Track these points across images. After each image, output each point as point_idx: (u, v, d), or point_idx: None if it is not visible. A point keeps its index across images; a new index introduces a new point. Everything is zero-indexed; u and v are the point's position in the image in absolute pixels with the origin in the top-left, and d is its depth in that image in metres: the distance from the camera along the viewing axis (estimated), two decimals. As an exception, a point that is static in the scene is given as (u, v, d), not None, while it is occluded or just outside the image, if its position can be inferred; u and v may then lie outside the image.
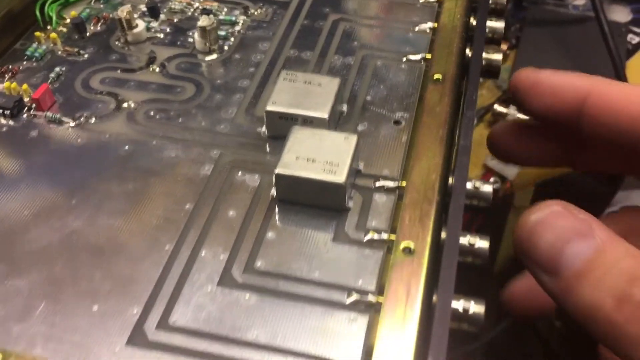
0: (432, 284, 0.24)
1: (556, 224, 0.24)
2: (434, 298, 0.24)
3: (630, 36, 0.67)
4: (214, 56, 0.38)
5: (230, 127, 0.34)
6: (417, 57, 0.37)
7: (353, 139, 0.30)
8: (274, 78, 0.37)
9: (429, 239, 0.25)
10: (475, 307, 0.24)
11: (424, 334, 0.23)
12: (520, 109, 0.33)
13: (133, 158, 0.32)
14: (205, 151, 0.33)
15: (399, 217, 0.26)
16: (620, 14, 0.69)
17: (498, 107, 0.61)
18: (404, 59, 0.38)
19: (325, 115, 0.32)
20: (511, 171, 0.59)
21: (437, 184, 0.27)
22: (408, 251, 0.25)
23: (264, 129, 0.33)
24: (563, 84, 0.31)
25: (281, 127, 0.32)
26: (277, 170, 0.29)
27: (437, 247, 0.25)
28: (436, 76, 0.32)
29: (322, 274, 0.27)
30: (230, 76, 0.37)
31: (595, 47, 0.61)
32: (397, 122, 0.34)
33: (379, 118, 0.34)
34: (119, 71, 0.37)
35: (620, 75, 0.58)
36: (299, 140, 0.30)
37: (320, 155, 0.29)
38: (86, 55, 0.38)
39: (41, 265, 0.28)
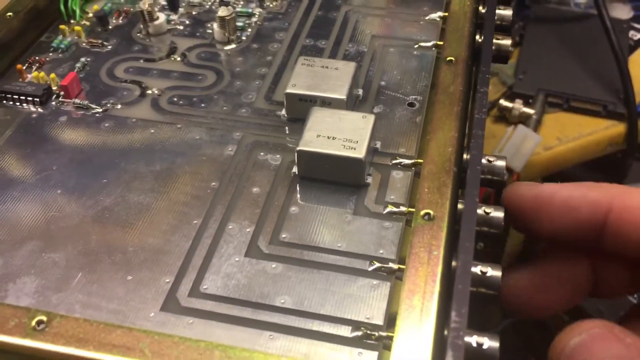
0: (451, 248, 0.25)
1: (600, 351, 0.21)
2: (453, 263, 0.26)
3: (631, 32, 0.68)
4: (233, 46, 0.40)
5: (251, 111, 0.35)
6: (429, 44, 0.39)
7: (371, 117, 0.32)
8: (291, 65, 0.38)
9: (447, 206, 0.26)
10: (493, 271, 0.26)
11: (445, 295, 0.24)
12: (523, 231, 0.29)
13: (159, 140, 0.34)
14: (228, 133, 0.34)
15: (418, 188, 0.28)
16: (622, 11, 0.70)
17: (503, 102, 0.62)
18: (416, 46, 0.39)
19: (344, 96, 0.33)
20: (518, 163, 0.60)
21: (453, 156, 0.28)
22: (428, 217, 0.26)
23: (283, 112, 0.35)
24: (576, 199, 0.27)
25: (300, 109, 0.34)
26: (299, 147, 0.30)
27: (455, 216, 0.26)
28: (449, 58, 0.34)
29: (344, 245, 0.28)
30: (248, 64, 0.38)
31: (597, 43, 0.63)
32: (411, 105, 0.35)
33: (393, 101, 0.36)
34: (141, 61, 0.39)
35: (623, 70, 0.59)
36: (319, 120, 0.32)
37: (339, 133, 0.31)
38: (110, 47, 0.40)
39: (76, 240, 0.29)
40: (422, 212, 0.26)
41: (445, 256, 0.25)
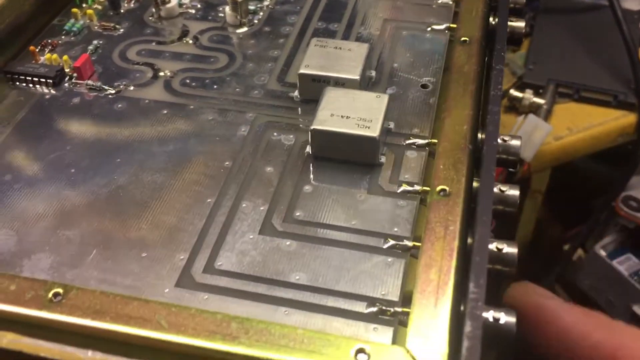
0: (467, 225, 0.25)
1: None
2: (469, 240, 0.25)
3: (642, 23, 0.68)
4: (245, 29, 0.40)
5: (263, 93, 0.35)
6: (442, 26, 0.39)
7: (384, 97, 0.32)
8: (303, 48, 0.38)
9: (463, 181, 0.26)
10: (509, 248, 0.25)
11: (462, 272, 0.24)
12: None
13: (172, 121, 0.34)
14: (241, 114, 0.34)
15: (434, 165, 0.27)
16: (633, 2, 0.70)
17: (514, 92, 0.62)
18: (428, 29, 0.39)
19: (357, 77, 0.33)
20: (529, 153, 0.60)
21: (468, 133, 0.28)
22: (444, 193, 0.26)
23: (296, 93, 0.35)
24: (578, 333, 0.24)
25: (313, 89, 0.34)
26: (313, 126, 0.30)
27: (471, 194, 0.26)
28: (463, 38, 0.34)
29: (358, 222, 0.28)
30: (261, 47, 0.38)
31: (608, 34, 0.62)
32: (424, 86, 0.35)
33: (407, 82, 0.35)
34: (154, 44, 0.39)
35: (634, 60, 0.59)
36: (333, 99, 0.31)
37: (353, 113, 0.31)
38: (122, 30, 0.40)
39: (90, 217, 0.29)
40: (438, 188, 0.26)
41: (462, 232, 0.25)
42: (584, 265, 0.68)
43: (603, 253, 0.67)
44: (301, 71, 0.34)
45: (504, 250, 0.25)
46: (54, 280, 0.26)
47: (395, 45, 0.38)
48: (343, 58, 0.34)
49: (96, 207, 0.29)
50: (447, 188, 0.26)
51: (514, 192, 0.27)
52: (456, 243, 0.24)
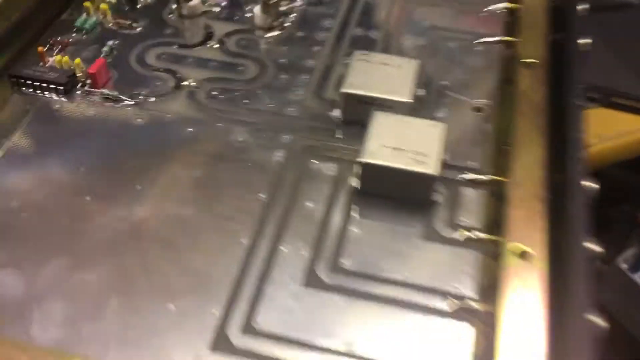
0: (554, 292, 0.22)
1: None
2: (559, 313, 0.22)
3: (679, 25, 0.64)
4: (275, 33, 0.36)
5: (299, 110, 0.32)
6: (493, 39, 0.35)
7: (441, 126, 0.28)
8: (341, 58, 0.34)
9: (544, 241, 0.23)
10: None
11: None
12: None
13: (198, 141, 0.30)
14: (276, 135, 0.30)
15: (506, 217, 0.24)
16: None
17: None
18: (478, 41, 0.35)
19: (409, 99, 0.30)
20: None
21: (544, 179, 0.25)
22: (523, 255, 0.23)
23: (336, 113, 0.31)
24: None
25: (357, 111, 0.30)
26: (363, 159, 0.27)
27: (553, 254, 0.23)
28: (528, 60, 0.30)
29: (414, 276, 0.25)
30: (294, 55, 0.35)
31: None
32: (478, 110, 0.32)
33: (457, 104, 0.32)
34: (175, 47, 0.35)
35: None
36: (383, 127, 0.28)
37: (406, 144, 0.27)
38: (139, 29, 0.36)
39: (109, 257, 0.25)
40: (515, 249, 0.23)
41: (549, 305, 0.22)
42: (604, 278, 0.66)
43: (624, 266, 0.64)
44: (345, 90, 0.30)
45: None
46: (69, 338, 0.23)
47: (443, 59, 0.34)
48: (391, 76, 0.30)
49: (115, 244, 0.26)
50: (526, 249, 0.23)
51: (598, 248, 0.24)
52: (543, 322, 0.21)
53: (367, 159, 0.27)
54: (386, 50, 0.35)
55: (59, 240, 0.26)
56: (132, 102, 0.32)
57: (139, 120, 0.31)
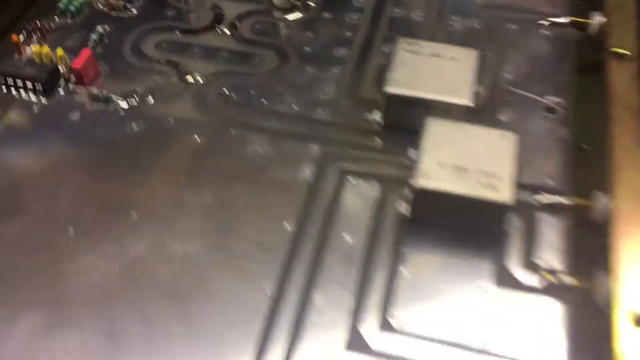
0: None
1: None
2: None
3: None
4: (298, 15, 0.30)
5: (330, 113, 0.26)
6: (563, 19, 0.29)
7: (512, 138, 0.22)
8: (377, 46, 0.28)
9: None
10: None
11: None
12: None
13: (207, 154, 0.24)
14: (301, 146, 0.25)
15: (611, 260, 0.18)
16: None
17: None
18: (544, 22, 0.29)
19: (469, 102, 0.24)
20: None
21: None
22: (643, 325, 0.17)
23: (374, 115, 0.25)
24: None
25: (403, 115, 0.24)
26: (419, 183, 0.21)
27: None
28: (620, 50, 0.24)
29: (485, 337, 0.19)
30: (321, 41, 0.29)
31: None
32: (550, 110, 0.26)
33: (524, 104, 0.26)
34: (177, 33, 0.29)
35: None
36: (439, 139, 0.22)
37: (470, 161, 0.21)
38: (134, 10, 0.30)
39: (97, 308, 0.20)
40: (630, 315, 0.17)
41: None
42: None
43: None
44: (389, 90, 0.24)
45: None
46: None
47: (504, 46, 0.28)
48: (444, 71, 0.25)
49: (105, 291, 0.21)
50: (648, 317, 0.17)
51: None
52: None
53: (422, 182, 0.21)
54: (432, 35, 0.29)
55: (34, 287, 0.21)
56: (126, 104, 0.26)
57: (135, 126, 0.25)
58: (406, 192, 0.22)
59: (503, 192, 0.21)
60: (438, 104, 0.24)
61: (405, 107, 0.24)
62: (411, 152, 0.24)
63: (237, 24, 0.29)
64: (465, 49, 0.25)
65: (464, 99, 0.24)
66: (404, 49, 0.25)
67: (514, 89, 0.27)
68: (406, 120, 0.24)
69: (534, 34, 0.29)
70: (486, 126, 0.23)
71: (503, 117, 0.26)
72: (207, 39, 0.29)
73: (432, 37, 0.28)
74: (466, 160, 0.22)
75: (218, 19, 0.30)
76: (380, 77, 0.26)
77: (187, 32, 0.29)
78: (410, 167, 0.23)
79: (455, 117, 0.24)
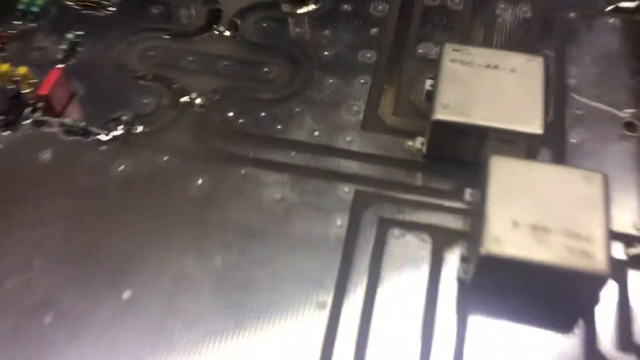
0: None
1: None
2: None
3: None
4: (311, 7, 0.25)
5: (360, 140, 0.21)
6: (630, 3, 0.24)
7: (599, 182, 0.18)
8: (411, 46, 0.23)
9: None
10: None
11: None
12: None
13: (213, 202, 0.20)
14: (330, 187, 0.20)
15: None
16: None
17: None
18: (609, 9, 0.24)
19: (539, 129, 0.19)
20: None
21: None
22: None
23: (418, 143, 0.21)
24: None
25: (453, 144, 0.20)
26: (489, 249, 0.17)
27: None
28: None
29: None
30: (342, 42, 0.24)
31: None
32: (630, 126, 0.21)
33: (597, 118, 0.21)
34: (166, 36, 0.24)
35: None
36: (508, 186, 0.18)
37: (551, 218, 0.17)
38: (113, 9, 0.25)
39: None
40: None
41: None
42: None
43: None
44: (438, 117, 0.19)
45: None
46: None
47: (562, 41, 0.23)
48: (505, 87, 0.20)
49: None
50: None
51: None
52: None
53: (493, 248, 0.17)
54: (474, 29, 0.24)
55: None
56: (108, 136, 0.21)
57: (119, 165, 0.20)
58: (466, 251, 0.17)
59: (598, 260, 0.16)
60: (500, 133, 0.19)
61: (457, 136, 0.19)
62: (468, 194, 0.19)
63: (238, 22, 0.24)
64: (528, 56, 0.20)
65: (533, 126, 0.19)
66: (451, 59, 0.20)
67: (580, 98, 0.22)
68: (458, 150, 0.20)
69: (599, 25, 0.24)
70: (563, 165, 0.18)
71: (573, 137, 0.21)
72: (204, 44, 0.24)
73: (474, 32, 0.23)
74: (546, 216, 0.17)
75: (214, 16, 0.24)
76: (419, 89, 0.22)
77: (178, 35, 0.24)
78: (468, 213, 0.19)
79: (521, 148, 0.19)
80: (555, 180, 0.18)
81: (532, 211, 0.17)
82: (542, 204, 0.17)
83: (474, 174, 0.19)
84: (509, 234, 0.17)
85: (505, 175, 0.18)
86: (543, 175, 0.18)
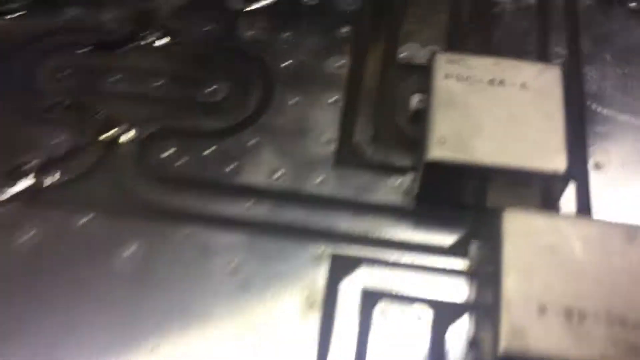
0: None
1: None
2: None
3: None
4: (263, 2, 0.20)
5: (334, 179, 0.17)
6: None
7: (645, 239, 0.14)
8: (392, 46, 0.19)
9: None
10: None
11: None
12: None
13: (150, 275, 0.15)
14: (297, 249, 0.16)
15: None
16: None
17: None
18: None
19: (560, 166, 0.15)
20: None
21: None
22: None
23: (403, 181, 0.16)
24: None
25: (451, 187, 0.16)
26: (509, 347, 0.13)
27: None
28: None
29: None
30: (306, 47, 0.19)
31: None
32: (665, 146, 0.17)
33: (620, 132, 0.17)
34: (84, 48, 0.19)
35: None
36: (527, 252, 0.13)
37: (586, 298, 0.13)
38: (12, 16, 0.20)
39: None
40: None
41: None
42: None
43: None
44: (432, 156, 0.15)
45: None
46: None
47: (583, 41, 0.19)
48: (514, 110, 0.15)
49: None
50: None
51: None
52: None
53: (515, 344, 0.12)
54: (470, 26, 0.19)
55: None
56: (11, 191, 0.16)
57: (31, 230, 0.16)
58: (475, 333, 0.14)
59: (652, 357, 0.12)
60: (515, 173, 0.15)
61: (455, 177, 0.15)
62: (474, 251, 0.15)
63: (172, 26, 0.19)
64: (541, 66, 0.16)
65: (555, 162, 0.15)
66: (446, 75, 0.16)
67: (601, 109, 0.18)
68: (456, 194, 0.16)
69: (621, 14, 0.19)
70: (598, 217, 0.14)
71: (598, 158, 0.17)
72: (132, 58, 0.19)
73: (469, 30, 0.19)
74: (579, 296, 0.13)
75: (145, 19, 0.19)
76: (404, 106, 0.17)
77: (101, 46, 0.19)
78: (474, 274, 0.15)
79: (535, 188, 0.15)
80: (585, 239, 0.14)
81: (561, 290, 0.13)
82: (572, 277, 0.13)
83: (478, 217, 0.15)
84: (534, 325, 0.13)
85: (526, 237, 0.14)
86: (569, 233, 0.14)
